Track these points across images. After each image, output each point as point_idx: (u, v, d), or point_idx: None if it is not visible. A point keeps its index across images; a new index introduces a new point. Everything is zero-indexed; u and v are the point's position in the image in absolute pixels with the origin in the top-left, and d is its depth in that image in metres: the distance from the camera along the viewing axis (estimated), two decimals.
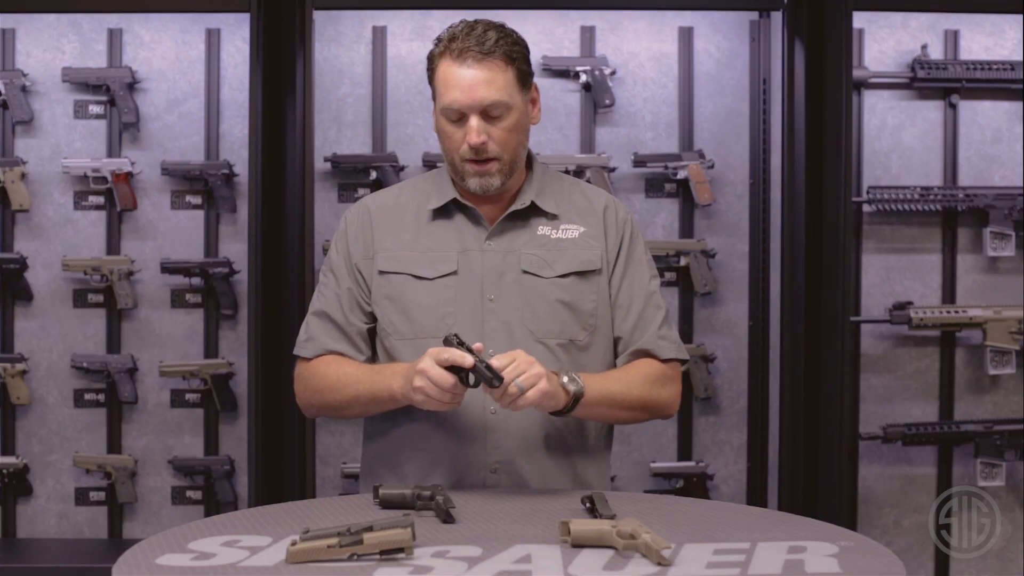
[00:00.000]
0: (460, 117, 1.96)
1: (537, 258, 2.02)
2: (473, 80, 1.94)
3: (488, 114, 1.95)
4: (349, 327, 2.04)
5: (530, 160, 2.08)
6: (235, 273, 3.43)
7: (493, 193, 2.01)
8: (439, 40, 2.00)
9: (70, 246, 3.45)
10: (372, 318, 2.05)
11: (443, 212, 2.05)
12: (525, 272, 2.01)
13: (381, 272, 2.03)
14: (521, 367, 1.81)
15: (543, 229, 2.04)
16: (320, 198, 3.39)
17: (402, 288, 2.02)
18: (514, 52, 1.98)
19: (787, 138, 3.33)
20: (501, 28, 1.99)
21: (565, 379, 1.88)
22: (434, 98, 2.02)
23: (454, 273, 2.01)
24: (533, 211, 2.05)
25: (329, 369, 2.03)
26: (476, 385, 1.82)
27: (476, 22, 1.99)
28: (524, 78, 2.00)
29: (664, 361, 2.04)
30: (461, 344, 1.82)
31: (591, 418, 1.99)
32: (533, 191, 2.05)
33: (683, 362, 2.09)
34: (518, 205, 2.04)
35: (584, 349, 2.00)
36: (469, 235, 2.03)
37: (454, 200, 2.04)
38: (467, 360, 1.79)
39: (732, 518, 1.83)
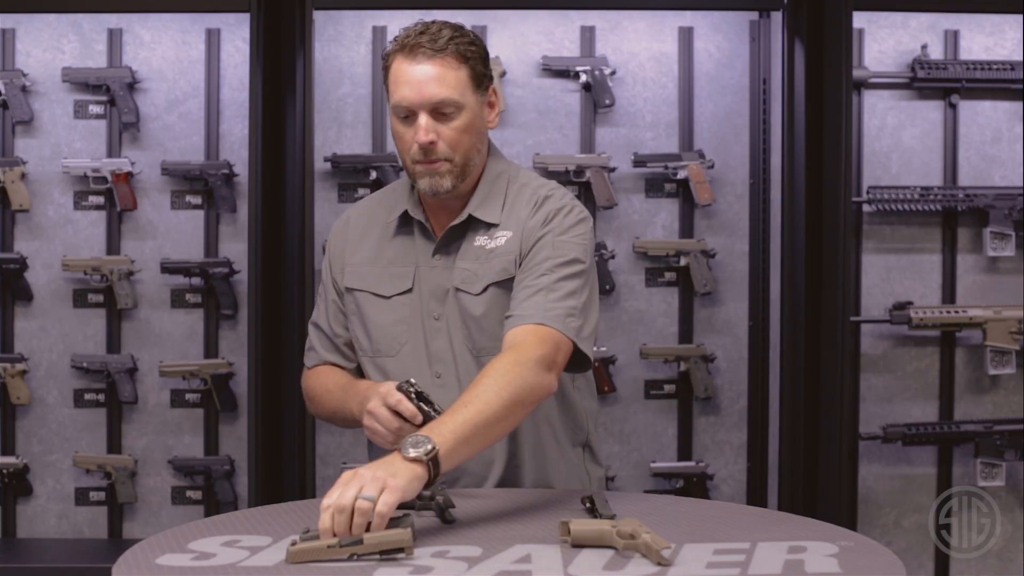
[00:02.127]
0: (410, 115, 1.90)
1: (468, 273, 1.95)
2: (423, 77, 1.88)
3: (438, 112, 1.89)
4: (336, 338, 2.07)
5: (484, 168, 2.00)
6: (235, 273, 3.42)
7: (444, 197, 1.93)
8: (394, 40, 1.94)
9: (70, 246, 3.45)
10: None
11: (405, 224, 2.01)
12: (458, 290, 1.95)
13: (348, 288, 2.03)
14: (352, 487, 1.56)
15: (480, 240, 1.96)
16: (320, 198, 3.39)
17: (363, 305, 2.01)
18: (468, 52, 1.91)
19: (787, 138, 3.33)
20: (457, 28, 1.93)
21: (410, 451, 1.63)
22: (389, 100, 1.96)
23: (409, 291, 1.98)
24: (473, 222, 1.97)
25: (318, 382, 2.07)
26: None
27: (433, 22, 1.93)
28: (479, 79, 1.93)
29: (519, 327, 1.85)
30: (419, 395, 1.81)
31: (471, 456, 1.77)
32: (476, 202, 1.97)
33: (582, 351, 1.88)
34: (457, 220, 1.96)
35: None
36: (421, 250, 1.99)
37: (405, 213, 1.99)
38: (417, 418, 1.79)
39: (732, 518, 1.83)
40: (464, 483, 1.97)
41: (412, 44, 1.89)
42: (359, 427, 1.97)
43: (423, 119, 1.89)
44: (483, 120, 1.95)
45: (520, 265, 1.93)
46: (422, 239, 1.99)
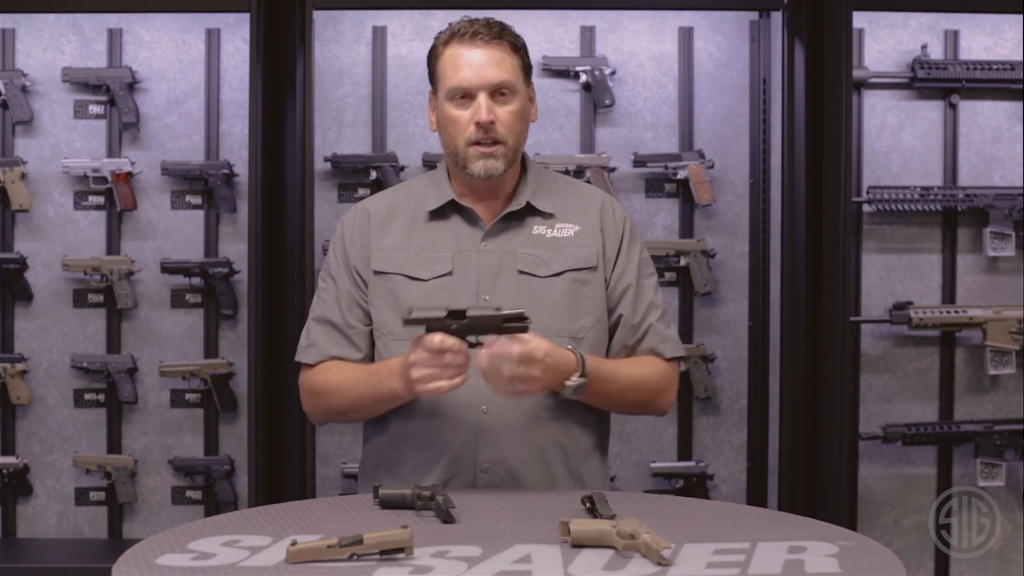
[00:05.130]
0: (467, 98, 1.98)
1: (533, 258, 2.03)
2: (483, 60, 1.97)
3: (496, 94, 1.98)
4: (349, 329, 2.05)
5: (524, 161, 2.10)
6: (235, 273, 3.43)
7: (494, 180, 2.01)
8: (441, 34, 2.03)
9: (70, 246, 3.45)
10: (371, 319, 2.06)
11: (439, 213, 2.06)
12: (521, 272, 2.02)
13: (376, 272, 2.05)
14: (519, 370, 1.83)
15: (539, 229, 2.05)
16: (320, 198, 3.39)
17: (396, 288, 2.03)
18: (518, 43, 2.02)
19: (787, 138, 3.33)
20: (503, 23, 2.03)
21: (571, 382, 1.91)
22: (435, 88, 2.03)
23: (449, 274, 2.02)
24: (529, 211, 2.06)
25: (331, 375, 2.04)
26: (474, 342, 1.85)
27: (478, 18, 2.02)
28: (527, 71, 2.04)
29: (667, 360, 2.07)
30: (452, 314, 1.83)
31: (589, 401, 2.01)
32: (529, 191, 2.06)
33: (681, 359, 2.12)
34: (514, 206, 2.05)
35: (579, 345, 2.00)
36: (465, 236, 2.04)
37: (451, 201, 2.05)
38: (463, 346, 1.82)
39: (732, 518, 1.83)
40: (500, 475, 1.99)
41: (470, 32, 1.98)
42: (388, 408, 2.00)
43: (483, 99, 1.97)
44: (528, 110, 2.06)
45: (615, 263, 2.06)
46: (466, 226, 2.05)
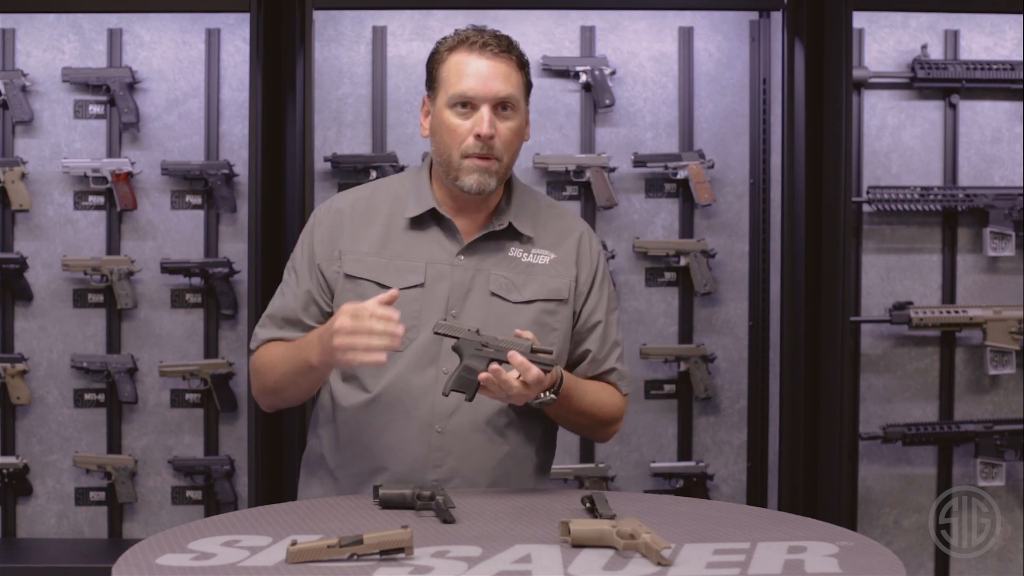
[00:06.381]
0: (469, 107, 1.94)
1: (506, 280, 2.00)
2: (491, 72, 1.93)
3: (499, 109, 1.94)
4: (302, 326, 2.02)
5: (510, 178, 2.06)
6: (235, 273, 3.43)
7: (476, 198, 1.98)
8: (447, 39, 1.99)
9: (70, 246, 3.45)
10: (328, 318, 2.00)
11: (418, 221, 2.02)
12: (493, 294, 1.99)
13: (348, 276, 2.01)
14: (524, 390, 1.84)
15: (515, 251, 2.02)
16: (320, 198, 3.38)
17: (366, 294, 1.95)
18: (523, 59, 1.99)
19: (787, 138, 3.33)
20: (511, 38, 2.00)
21: (542, 397, 1.91)
22: (433, 93, 1.99)
23: (420, 285, 1.98)
24: (508, 231, 2.02)
25: (264, 354, 2.03)
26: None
27: (485, 28, 2.00)
28: (528, 89, 2.01)
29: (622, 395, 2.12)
30: (457, 328, 1.85)
31: (549, 414, 2.02)
32: (512, 212, 2.03)
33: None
34: (495, 226, 2.01)
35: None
36: (441, 248, 2.01)
37: (432, 210, 2.01)
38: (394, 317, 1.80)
39: (732, 518, 1.83)
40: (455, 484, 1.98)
41: (481, 41, 1.94)
42: (312, 384, 1.98)
43: (486, 112, 1.93)
44: (524, 130, 2.02)
45: (587, 295, 2.05)
46: (443, 237, 2.01)
